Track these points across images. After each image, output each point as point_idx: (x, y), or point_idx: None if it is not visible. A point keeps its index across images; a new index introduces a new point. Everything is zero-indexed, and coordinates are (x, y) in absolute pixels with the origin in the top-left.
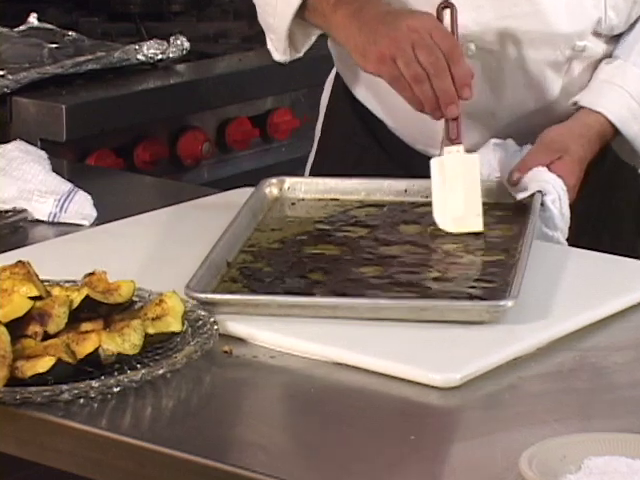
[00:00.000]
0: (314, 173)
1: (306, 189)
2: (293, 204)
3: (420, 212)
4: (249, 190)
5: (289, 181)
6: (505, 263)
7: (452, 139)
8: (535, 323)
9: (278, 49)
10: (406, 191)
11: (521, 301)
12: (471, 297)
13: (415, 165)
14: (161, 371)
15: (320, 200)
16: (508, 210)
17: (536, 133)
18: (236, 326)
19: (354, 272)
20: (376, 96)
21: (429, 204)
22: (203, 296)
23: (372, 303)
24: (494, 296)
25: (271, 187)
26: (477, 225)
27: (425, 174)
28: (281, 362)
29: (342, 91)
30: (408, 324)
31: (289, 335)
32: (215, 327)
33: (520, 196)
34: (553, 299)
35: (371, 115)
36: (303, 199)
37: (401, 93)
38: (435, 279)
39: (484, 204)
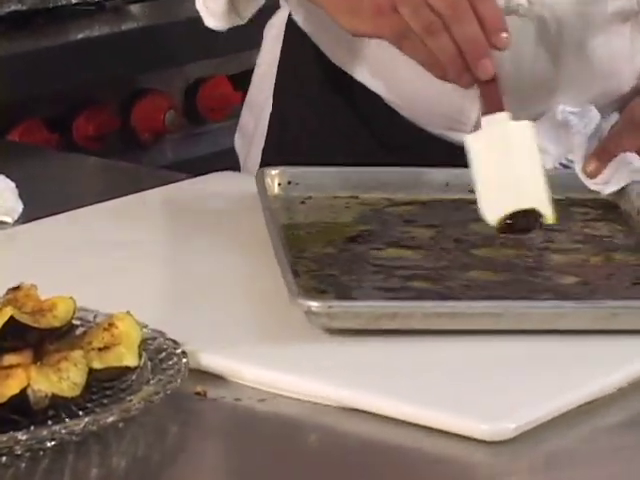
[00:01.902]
0: (269, 162)
1: (314, 184)
2: (303, 203)
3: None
4: (229, 175)
5: (289, 174)
6: None
7: (492, 108)
8: (614, 356)
9: (214, 12)
10: (447, 185)
11: None
12: None
13: (425, 154)
14: (111, 419)
15: (336, 198)
16: (587, 207)
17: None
18: (212, 359)
19: (464, 278)
20: (372, 63)
21: None
22: (326, 304)
23: (553, 308)
24: None
25: (270, 181)
26: (547, 216)
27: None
28: (273, 407)
29: (307, 54)
30: (440, 357)
31: (283, 371)
32: (184, 360)
33: (607, 190)
34: None
35: (359, 87)
36: (310, 197)
37: (413, 56)
38: (579, 284)
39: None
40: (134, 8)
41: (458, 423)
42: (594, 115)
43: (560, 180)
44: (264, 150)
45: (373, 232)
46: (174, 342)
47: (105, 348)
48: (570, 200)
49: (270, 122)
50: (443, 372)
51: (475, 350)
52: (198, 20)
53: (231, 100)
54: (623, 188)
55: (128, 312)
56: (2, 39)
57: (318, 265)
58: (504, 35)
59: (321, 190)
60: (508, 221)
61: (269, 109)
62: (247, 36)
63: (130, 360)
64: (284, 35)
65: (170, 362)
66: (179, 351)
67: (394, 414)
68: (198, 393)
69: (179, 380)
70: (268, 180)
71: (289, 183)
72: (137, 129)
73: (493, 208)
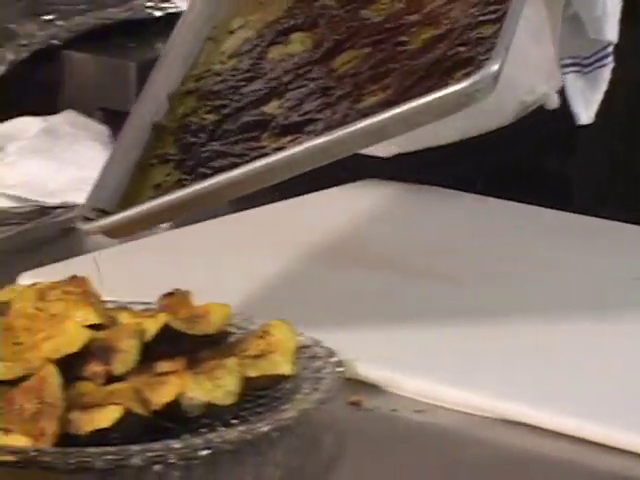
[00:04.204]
0: None
1: None
2: None
3: None
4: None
5: None
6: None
7: None
8: None
9: None
10: None
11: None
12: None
13: None
14: (265, 428)
15: None
16: None
17: None
18: (369, 368)
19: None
20: None
21: None
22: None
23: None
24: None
25: None
26: None
27: None
28: (430, 418)
29: None
30: (598, 366)
31: (443, 381)
32: (338, 369)
33: None
34: None
35: None
36: None
37: None
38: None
39: None
40: None
41: (629, 440)
42: None
43: None
44: None
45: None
46: (329, 350)
47: (260, 356)
48: None
49: None
50: (609, 383)
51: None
52: None
53: None
54: None
55: (283, 320)
56: (157, 41)
57: (198, 101)
58: None
59: None
60: None
61: None
62: None
63: (285, 368)
64: None
65: (324, 371)
66: (334, 360)
67: (559, 428)
68: (353, 403)
69: (334, 389)
70: None
71: None
72: None
73: None
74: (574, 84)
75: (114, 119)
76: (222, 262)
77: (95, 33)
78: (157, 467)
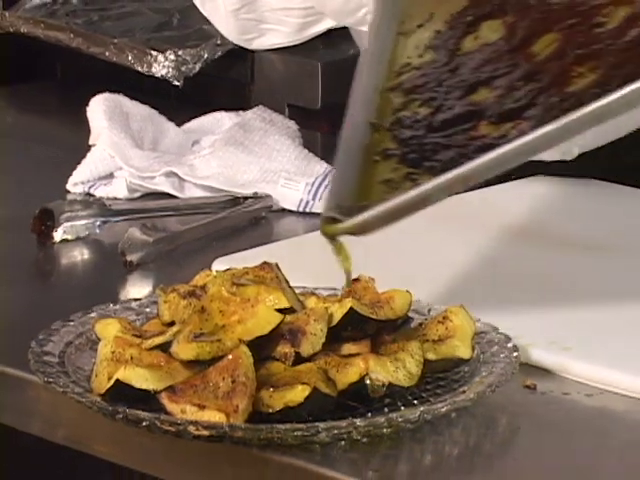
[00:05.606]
0: None
1: None
2: None
3: None
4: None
5: None
6: None
7: None
8: None
9: None
10: None
11: None
12: None
13: None
14: (444, 409)
15: None
16: None
17: None
18: (542, 354)
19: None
20: None
21: None
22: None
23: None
24: None
25: None
26: None
27: None
28: (600, 402)
29: None
30: None
31: (612, 366)
32: (514, 354)
33: None
34: None
35: None
36: None
37: None
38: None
39: None
40: None
41: None
42: None
43: None
44: None
45: None
46: (505, 336)
47: (440, 340)
48: None
49: None
50: None
51: None
52: None
53: None
54: None
55: (462, 306)
56: (342, 42)
57: (405, 96)
58: None
59: None
60: None
61: None
62: None
63: (463, 352)
64: None
65: (501, 355)
66: (510, 345)
67: None
68: (528, 386)
69: (510, 373)
70: None
71: None
72: None
73: None
74: None
75: (302, 115)
76: (403, 248)
77: None
78: (342, 443)
